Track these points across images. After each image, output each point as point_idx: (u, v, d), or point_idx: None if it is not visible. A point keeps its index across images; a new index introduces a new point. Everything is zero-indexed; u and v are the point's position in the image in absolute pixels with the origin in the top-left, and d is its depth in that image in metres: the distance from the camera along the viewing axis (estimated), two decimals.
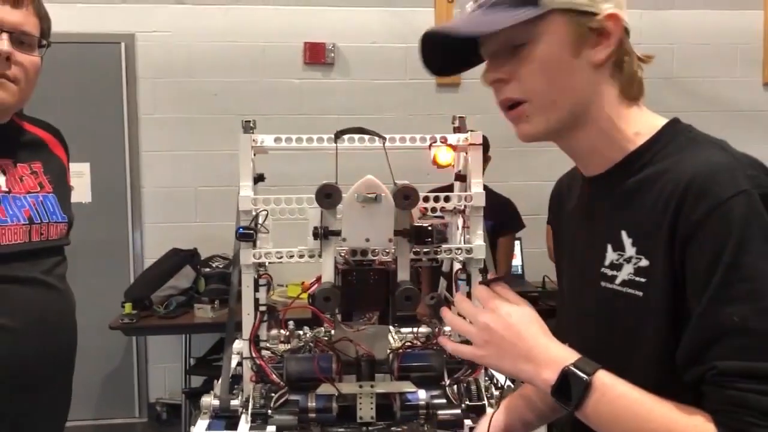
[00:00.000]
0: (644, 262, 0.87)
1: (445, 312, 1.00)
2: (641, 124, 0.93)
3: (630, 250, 0.89)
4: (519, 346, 0.90)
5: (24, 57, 1.39)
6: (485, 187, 3.91)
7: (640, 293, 0.87)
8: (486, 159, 3.44)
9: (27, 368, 1.39)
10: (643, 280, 0.87)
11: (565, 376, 0.84)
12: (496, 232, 3.49)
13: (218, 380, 1.47)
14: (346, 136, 1.45)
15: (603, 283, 0.93)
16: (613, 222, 0.93)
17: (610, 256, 0.92)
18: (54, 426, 1.53)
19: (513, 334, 0.90)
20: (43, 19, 1.46)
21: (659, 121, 0.94)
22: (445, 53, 0.97)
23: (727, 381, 0.76)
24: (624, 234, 0.90)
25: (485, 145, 3.44)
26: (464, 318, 0.99)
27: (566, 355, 0.86)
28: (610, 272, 0.92)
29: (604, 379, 0.83)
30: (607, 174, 0.95)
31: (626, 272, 0.89)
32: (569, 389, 0.84)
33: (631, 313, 0.89)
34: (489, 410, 1.37)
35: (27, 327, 1.39)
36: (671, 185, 0.84)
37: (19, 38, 1.38)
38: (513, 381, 1.51)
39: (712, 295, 0.77)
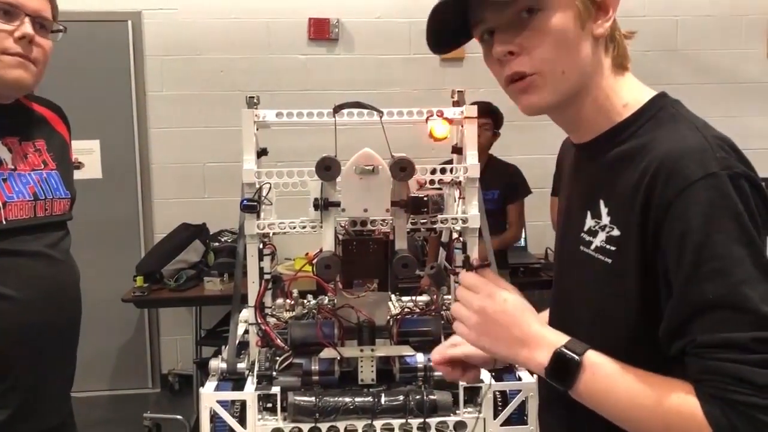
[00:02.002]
0: (616, 232, 0.91)
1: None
2: (629, 95, 0.96)
3: (605, 219, 0.93)
4: (514, 331, 0.93)
5: (42, 40, 1.47)
6: (491, 157, 3.98)
7: (610, 260, 0.92)
8: (495, 135, 3.50)
9: (34, 339, 1.45)
10: (613, 248, 0.91)
11: (558, 356, 0.88)
12: (503, 200, 3.56)
13: (226, 346, 1.54)
14: (345, 111, 1.50)
15: (581, 248, 0.97)
16: (594, 190, 0.97)
17: (589, 222, 0.96)
18: (61, 394, 1.59)
19: (508, 319, 0.93)
20: (54, 7, 1.53)
21: (645, 94, 0.97)
22: (437, 30, 0.99)
23: (706, 352, 0.80)
24: (602, 203, 0.94)
25: (498, 121, 3.53)
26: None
27: (558, 339, 0.91)
28: (587, 237, 0.96)
29: (593, 359, 0.87)
30: (594, 142, 0.99)
31: (600, 239, 0.94)
32: (563, 371, 0.88)
33: (601, 278, 0.93)
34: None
35: (33, 299, 1.44)
36: (646, 162, 0.87)
37: (38, 22, 1.45)
38: None
39: (686, 274, 0.82)
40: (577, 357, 0.87)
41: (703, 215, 0.81)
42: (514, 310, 0.94)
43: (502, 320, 0.94)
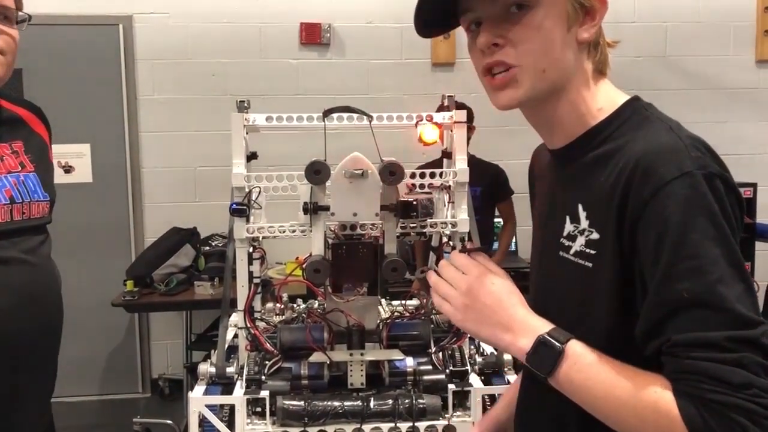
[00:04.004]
0: (595, 235, 0.91)
1: (431, 274, 1.02)
2: (604, 99, 0.98)
3: (584, 223, 0.94)
4: (499, 314, 0.93)
5: (9, 30, 1.44)
6: (473, 157, 4.05)
7: (590, 264, 0.92)
8: (470, 128, 3.55)
9: (12, 346, 1.42)
10: (592, 252, 0.92)
11: (540, 343, 0.88)
12: (487, 198, 3.62)
13: (215, 350, 1.54)
14: (335, 115, 1.50)
15: (561, 253, 0.97)
16: (572, 195, 0.97)
17: (568, 227, 0.97)
18: (41, 401, 1.57)
19: (494, 302, 0.93)
20: None
21: (620, 98, 0.98)
22: (425, 15, 0.99)
23: (681, 351, 0.80)
24: (580, 207, 0.95)
25: (468, 114, 3.57)
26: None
27: (542, 326, 0.91)
28: (567, 242, 0.96)
29: (576, 348, 0.87)
30: (569, 147, 0.99)
31: (579, 243, 0.94)
32: (544, 357, 0.88)
33: (581, 282, 0.93)
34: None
35: (11, 306, 1.42)
36: (622, 163, 0.88)
37: (2, 14, 1.43)
38: (496, 349, 1.58)
39: (662, 273, 0.82)
40: (559, 345, 0.87)
41: (678, 214, 0.81)
42: (501, 293, 0.94)
43: (488, 303, 0.93)
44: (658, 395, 0.81)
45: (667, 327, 0.82)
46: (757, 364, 0.78)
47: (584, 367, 0.86)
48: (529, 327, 0.91)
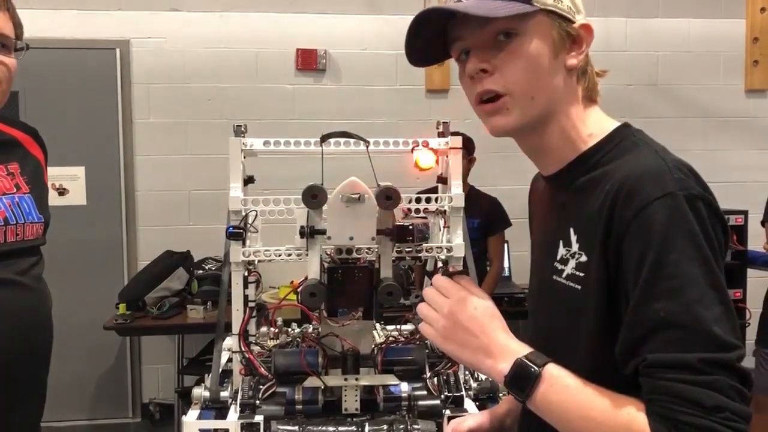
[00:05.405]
0: (584, 258, 0.93)
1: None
2: (594, 125, 1.00)
3: (575, 246, 0.95)
4: (480, 338, 0.93)
5: (6, 59, 1.45)
6: (472, 188, 4.04)
7: (579, 287, 0.93)
8: (470, 160, 3.56)
9: (1, 369, 1.41)
10: (581, 274, 0.93)
11: (518, 367, 0.89)
12: (484, 230, 3.61)
13: (209, 374, 1.53)
14: (332, 140, 1.51)
15: (554, 276, 0.99)
16: (564, 219, 0.99)
17: (561, 251, 0.98)
18: (29, 426, 1.55)
19: (476, 326, 0.94)
20: (18, 26, 1.51)
21: (610, 124, 1.00)
22: (416, 45, 1.02)
23: (657, 372, 0.81)
24: (572, 231, 0.96)
25: (470, 146, 3.57)
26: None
27: (521, 349, 0.91)
28: (559, 266, 0.98)
29: (553, 371, 0.88)
30: (561, 173, 1.01)
31: (570, 267, 0.95)
32: (522, 380, 0.89)
33: (571, 305, 0.94)
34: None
35: (1, 328, 1.41)
36: (608, 186, 0.90)
37: (0, 42, 1.44)
38: None
39: (641, 292, 0.83)
40: (537, 368, 0.88)
41: (659, 234, 0.82)
42: (483, 317, 0.94)
43: (470, 327, 0.94)
44: (632, 416, 0.82)
45: (643, 346, 0.82)
46: (731, 388, 0.79)
47: (561, 390, 0.87)
48: (509, 351, 0.91)
